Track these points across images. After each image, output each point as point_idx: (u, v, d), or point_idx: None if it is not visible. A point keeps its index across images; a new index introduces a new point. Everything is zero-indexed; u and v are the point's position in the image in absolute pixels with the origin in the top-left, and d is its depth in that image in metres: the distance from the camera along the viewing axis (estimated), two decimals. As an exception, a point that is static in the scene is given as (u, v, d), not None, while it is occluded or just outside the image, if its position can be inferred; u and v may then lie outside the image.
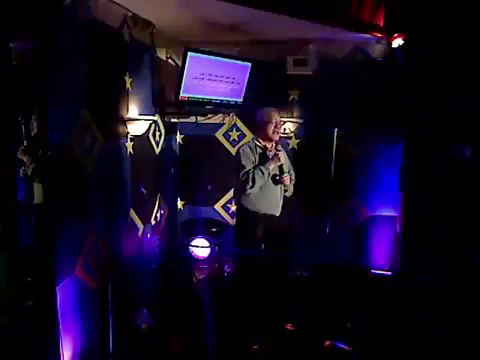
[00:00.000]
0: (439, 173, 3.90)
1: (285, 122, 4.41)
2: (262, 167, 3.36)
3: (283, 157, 3.46)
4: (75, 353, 2.62)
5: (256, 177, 3.33)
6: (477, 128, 3.81)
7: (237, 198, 3.60)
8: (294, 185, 3.69)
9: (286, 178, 3.47)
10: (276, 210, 3.54)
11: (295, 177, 3.71)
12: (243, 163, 3.39)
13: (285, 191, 3.62)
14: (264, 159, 3.45)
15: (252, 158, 3.43)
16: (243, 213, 3.51)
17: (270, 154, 3.48)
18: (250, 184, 3.33)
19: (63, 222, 2.49)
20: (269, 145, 3.52)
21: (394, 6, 3.82)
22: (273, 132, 3.47)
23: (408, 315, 3.37)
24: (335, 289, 3.78)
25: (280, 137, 3.64)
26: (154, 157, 4.06)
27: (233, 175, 3.51)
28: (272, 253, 3.45)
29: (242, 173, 3.37)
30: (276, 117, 3.50)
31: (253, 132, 4.53)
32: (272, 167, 3.41)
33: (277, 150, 3.44)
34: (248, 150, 3.46)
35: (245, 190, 3.37)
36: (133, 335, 3.13)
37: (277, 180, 3.45)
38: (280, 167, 3.45)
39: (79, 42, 2.62)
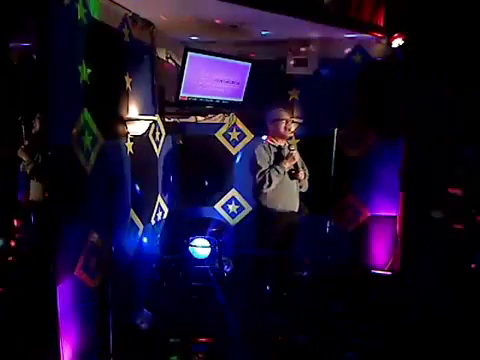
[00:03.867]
0: (439, 173, 3.90)
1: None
2: (278, 167, 3.48)
3: (297, 156, 3.58)
4: (75, 353, 2.61)
5: (272, 176, 3.44)
6: (477, 128, 3.81)
7: (255, 197, 3.69)
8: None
9: (301, 173, 3.58)
10: (294, 206, 3.64)
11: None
12: (259, 164, 3.51)
13: (300, 187, 3.70)
14: (279, 158, 3.56)
15: (267, 158, 3.55)
16: (262, 211, 3.56)
17: (284, 153, 3.60)
18: (267, 183, 3.44)
19: (63, 222, 2.49)
20: (282, 143, 3.64)
21: (394, 6, 3.82)
22: (285, 129, 3.62)
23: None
24: (335, 289, 3.79)
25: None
26: (154, 157, 4.05)
27: (251, 176, 3.62)
28: (272, 253, 3.45)
29: (259, 173, 3.48)
30: (285, 115, 3.67)
31: (254, 132, 4.57)
32: (287, 166, 3.52)
33: (291, 149, 3.54)
34: (263, 151, 3.58)
35: (262, 189, 3.46)
36: (133, 335, 3.13)
37: (293, 175, 3.57)
38: (295, 165, 3.57)
39: (79, 42, 2.61)
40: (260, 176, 3.47)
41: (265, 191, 3.48)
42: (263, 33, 3.98)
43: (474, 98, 3.82)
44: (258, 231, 3.74)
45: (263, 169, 3.49)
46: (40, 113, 2.31)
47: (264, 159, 3.53)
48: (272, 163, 3.55)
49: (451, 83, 3.87)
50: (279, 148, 3.64)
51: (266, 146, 3.63)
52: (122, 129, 3.34)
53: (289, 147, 3.58)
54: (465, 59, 3.74)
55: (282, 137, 3.66)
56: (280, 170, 3.47)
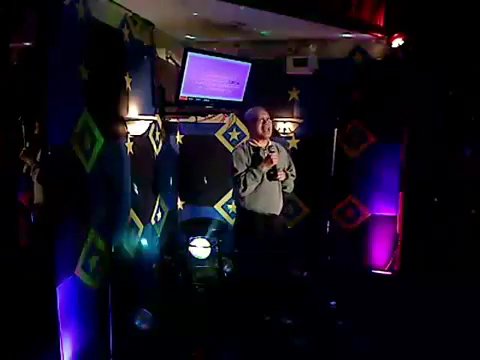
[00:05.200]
0: (439, 173, 3.90)
1: (285, 122, 4.42)
2: (254, 170, 3.30)
3: (276, 158, 3.35)
4: (75, 353, 2.62)
5: (248, 180, 3.27)
6: (477, 128, 3.82)
7: (235, 198, 3.58)
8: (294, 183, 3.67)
9: (280, 174, 3.39)
10: (276, 209, 3.48)
11: (296, 173, 3.68)
12: (235, 166, 3.34)
13: (284, 188, 3.58)
14: (258, 160, 3.38)
15: (245, 160, 3.37)
16: (241, 213, 3.48)
17: (263, 155, 3.41)
18: (242, 187, 3.28)
19: (63, 222, 2.49)
20: (263, 144, 3.48)
21: (394, 6, 3.82)
22: (262, 129, 3.41)
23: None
24: (335, 289, 3.79)
25: (280, 135, 3.61)
26: (154, 157, 4.05)
27: (229, 177, 3.50)
28: (272, 253, 3.44)
29: (234, 177, 3.33)
30: (262, 114, 3.44)
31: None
32: (265, 169, 3.33)
33: (271, 151, 3.36)
34: (241, 152, 3.40)
35: (238, 193, 3.35)
36: (133, 335, 3.13)
37: (271, 176, 3.37)
38: (273, 168, 3.37)
39: (79, 42, 2.62)
40: (235, 179, 3.31)
41: (242, 195, 3.34)
42: (263, 33, 3.96)
43: (474, 98, 3.82)
44: (237, 234, 3.62)
45: (239, 172, 3.31)
46: (40, 113, 2.31)
47: (241, 161, 3.35)
48: (250, 165, 3.37)
49: (451, 83, 3.88)
50: (258, 150, 3.43)
51: (246, 147, 3.44)
52: (122, 129, 3.34)
53: (269, 149, 3.39)
54: (465, 59, 3.74)
55: (261, 138, 3.45)
56: (257, 174, 3.29)
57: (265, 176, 3.36)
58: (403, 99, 4.02)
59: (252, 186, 3.30)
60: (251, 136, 3.55)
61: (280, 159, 3.45)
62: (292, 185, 3.57)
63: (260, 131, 3.42)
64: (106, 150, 2.97)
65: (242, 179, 3.28)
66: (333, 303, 3.62)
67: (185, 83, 3.61)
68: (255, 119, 3.42)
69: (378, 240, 4.35)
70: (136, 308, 3.30)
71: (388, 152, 4.26)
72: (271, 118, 3.52)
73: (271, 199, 3.45)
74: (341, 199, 4.45)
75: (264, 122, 3.41)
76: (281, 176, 3.40)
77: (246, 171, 3.32)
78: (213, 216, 4.68)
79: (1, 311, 2.30)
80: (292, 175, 3.57)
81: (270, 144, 3.45)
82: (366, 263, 4.33)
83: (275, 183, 3.44)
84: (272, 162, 3.31)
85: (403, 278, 4.02)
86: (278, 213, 3.51)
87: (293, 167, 3.62)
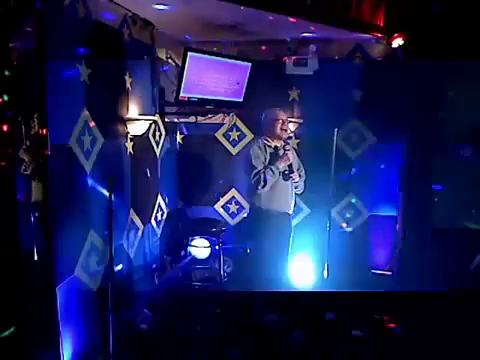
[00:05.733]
0: (439, 173, 3.91)
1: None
2: (272, 167, 3.41)
3: (292, 156, 3.52)
4: (75, 353, 2.62)
5: (267, 177, 3.38)
6: (477, 128, 3.82)
7: (249, 197, 3.65)
8: None
9: (295, 174, 3.52)
10: (288, 207, 3.59)
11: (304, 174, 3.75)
12: (254, 163, 3.43)
13: (296, 188, 3.66)
14: (274, 158, 3.49)
15: (262, 158, 3.48)
16: (256, 212, 3.54)
17: (280, 153, 3.51)
18: (262, 184, 3.38)
19: (63, 222, 2.49)
20: (278, 144, 3.56)
21: (394, 6, 3.82)
22: (281, 130, 3.53)
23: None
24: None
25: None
26: (154, 157, 4.05)
27: (245, 176, 3.56)
28: (272, 253, 3.45)
29: (253, 173, 3.41)
30: (281, 115, 3.57)
31: (254, 132, 4.57)
32: (282, 166, 3.45)
33: (286, 149, 3.47)
34: (258, 150, 3.50)
35: (257, 190, 3.41)
36: (133, 335, 3.13)
37: (286, 175, 3.49)
38: (289, 165, 3.49)
39: (79, 42, 2.62)
40: (255, 176, 3.40)
41: (259, 192, 3.43)
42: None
43: (474, 98, 3.82)
44: (252, 232, 3.69)
45: (258, 169, 3.41)
46: (40, 113, 2.31)
47: (259, 159, 3.46)
48: (267, 163, 3.47)
49: (451, 83, 3.88)
50: (275, 148, 3.56)
51: (261, 146, 3.54)
52: (122, 129, 3.34)
53: (284, 147, 3.50)
54: (465, 59, 3.74)
55: (278, 138, 3.57)
56: (275, 170, 3.40)
57: (280, 176, 3.46)
58: (403, 99, 4.02)
59: (271, 182, 3.40)
60: (266, 135, 3.60)
61: (294, 157, 3.59)
62: (302, 186, 3.71)
63: (278, 131, 3.53)
64: (106, 150, 2.97)
65: (262, 176, 3.38)
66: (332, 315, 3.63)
67: (185, 83, 3.61)
68: (274, 119, 3.53)
69: (378, 240, 4.36)
70: (136, 308, 3.30)
71: (388, 152, 4.26)
72: None
73: (285, 198, 3.56)
74: (341, 199, 4.45)
75: (283, 123, 3.54)
76: (295, 176, 3.52)
77: (264, 168, 3.42)
78: (213, 216, 4.69)
79: (1, 311, 2.29)
80: (301, 176, 3.67)
81: (285, 143, 3.55)
82: (366, 263, 4.33)
83: (288, 183, 3.55)
84: (289, 159, 3.45)
85: (403, 278, 4.02)
86: (291, 212, 3.62)
87: (302, 168, 3.74)
